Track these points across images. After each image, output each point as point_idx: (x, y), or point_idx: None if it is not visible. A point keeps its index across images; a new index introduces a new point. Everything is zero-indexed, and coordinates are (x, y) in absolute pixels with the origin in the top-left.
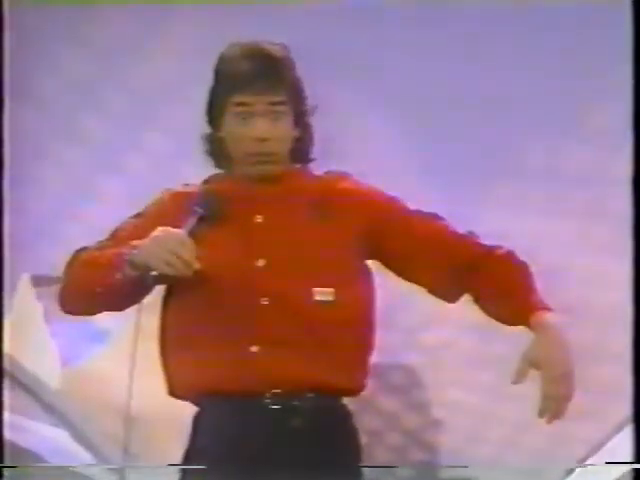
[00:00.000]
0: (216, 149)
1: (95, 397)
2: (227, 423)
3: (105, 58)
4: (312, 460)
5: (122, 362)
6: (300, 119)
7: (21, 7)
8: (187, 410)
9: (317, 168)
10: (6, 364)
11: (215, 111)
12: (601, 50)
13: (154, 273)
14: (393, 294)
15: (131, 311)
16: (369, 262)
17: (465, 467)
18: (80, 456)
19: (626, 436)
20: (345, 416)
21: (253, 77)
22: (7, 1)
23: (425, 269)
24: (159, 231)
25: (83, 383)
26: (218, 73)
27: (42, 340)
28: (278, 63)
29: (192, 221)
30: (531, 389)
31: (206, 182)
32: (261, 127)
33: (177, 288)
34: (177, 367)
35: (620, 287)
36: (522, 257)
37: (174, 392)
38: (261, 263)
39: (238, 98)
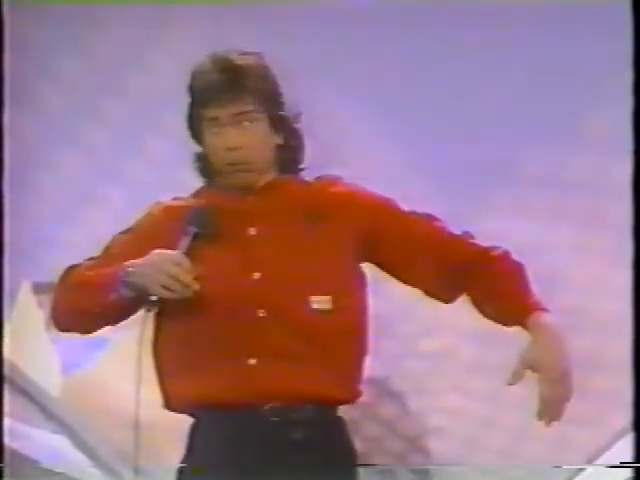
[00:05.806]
0: (202, 165)
1: (96, 405)
2: (225, 436)
3: (105, 64)
4: (311, 471)
5: (123, 370)
6: (279, 126)
7: (20, 12)
8: (187, 419)
9: (315, 175)
10: (7, 371)
11: (194, 127)
12: (601, 56)
13: (154, 298)
14: (393, 302)
15: (132, 319)
16: (363, 266)
17: (465, 470)
18: (80, 463)
19: (625, 444)
20: (342, 426)
21: (216, 90)
22: (7, 5)
23: (421, 270)
24: (155, 254)
25: (84, 390)
26: (190, 89)
27: (43, 347)
28: (242, 73)
29: (186, 240)
30: (531, 396)
31: (196, 195)
32: (229, 136)
33: (172, 303)
34: (174, 380)
35: (620, 294)
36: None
37: (170, 405)
38: (257, 276)
39: (208, 112)
